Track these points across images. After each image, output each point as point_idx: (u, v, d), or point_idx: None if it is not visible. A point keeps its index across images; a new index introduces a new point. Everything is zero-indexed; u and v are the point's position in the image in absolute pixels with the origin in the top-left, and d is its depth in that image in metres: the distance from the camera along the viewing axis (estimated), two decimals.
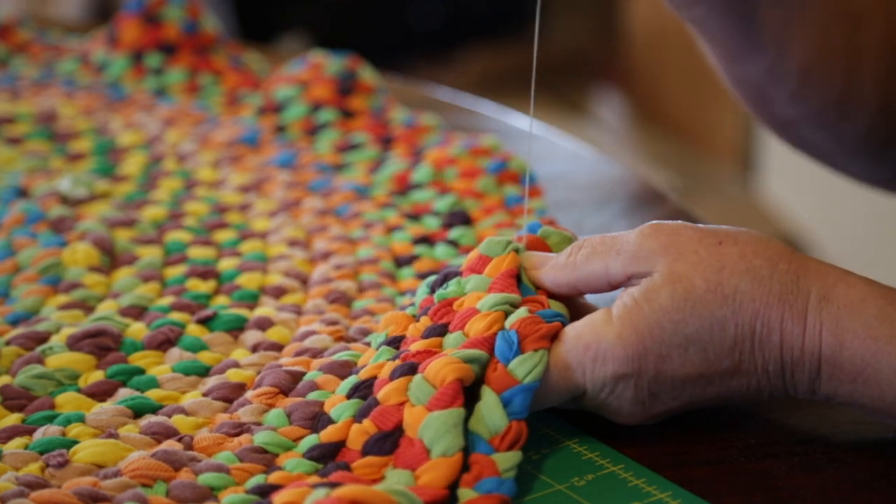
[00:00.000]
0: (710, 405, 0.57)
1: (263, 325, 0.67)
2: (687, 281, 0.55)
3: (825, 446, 0.57)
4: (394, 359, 0.57)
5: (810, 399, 0.56)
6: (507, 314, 0.58)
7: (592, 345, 0.55)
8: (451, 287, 0.61)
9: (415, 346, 0.57)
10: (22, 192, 0.87)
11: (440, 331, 0.58)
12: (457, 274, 0.62)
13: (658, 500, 0.53)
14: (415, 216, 0.82)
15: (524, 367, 0.55)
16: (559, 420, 0.58)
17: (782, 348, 0.54)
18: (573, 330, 0.56)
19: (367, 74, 1.01)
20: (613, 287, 0.58)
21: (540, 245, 0.63)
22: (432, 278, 0.63)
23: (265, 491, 0.51)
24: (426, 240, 0.79)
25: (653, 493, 0.53)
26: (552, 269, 0.59)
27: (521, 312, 0.57)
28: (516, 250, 0.61)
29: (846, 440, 0.57)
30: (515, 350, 0.55)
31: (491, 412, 0.53)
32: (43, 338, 0.65)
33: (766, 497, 0.54)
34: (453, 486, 0.51)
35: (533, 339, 0.56)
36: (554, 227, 0.64)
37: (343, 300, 0.70)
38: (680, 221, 0.57)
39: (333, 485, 0.50)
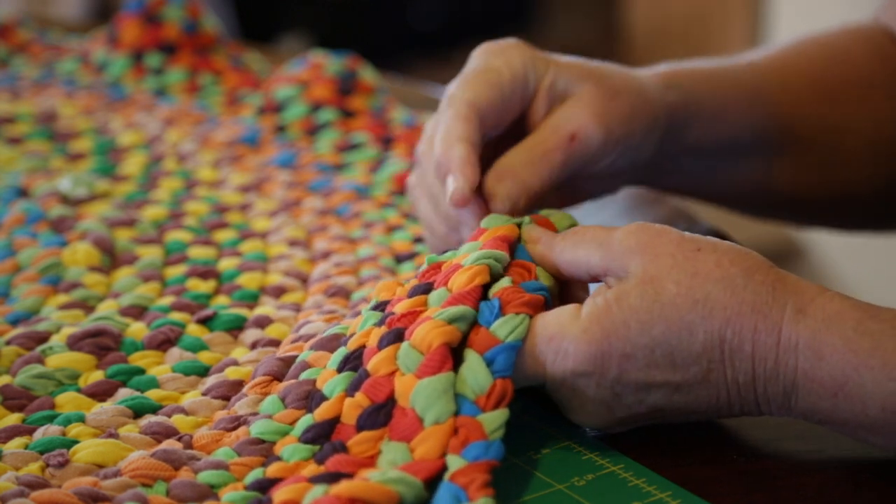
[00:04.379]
0: (680, 421, 0.57)
1: (263, 323, 0.67)
2: (658, 283, 0.54)
3: (825, 446, 0.57)
4: (379, 323, 0.57)
5: (785, 416, 0.55)
6: (491, 269, 0.57)
7: (556, 337, 0.55)
8: (447, 255, 0.61)
9: (399, 307, 0.57)
10: (22, 192, 0.87)
11: (425, 289, 0.58)
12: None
13: (658, 500, 0.53)
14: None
15: (506, 328, 0.55)
16: (559, 420, 0.58)
17: (754, 359, 0.54)
18: (541, 320, 0.56)
19: (367, 74, 1.01)
20: (592, 277, 0.58)
21: (545, 224, 0.63)
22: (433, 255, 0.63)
23: (264, 486, 0.52)
24: None
25: (653, 493, 0.53)
26: (544, 246, 0.60)
27: (505, 282, 0.57)
28: (519, 224, 0.61)
29: (846, 440, 0.57)
30: (497, 313, 0.55)
31: (475, 372, 0.53)
32: (43, 337, 0.65)
33: (766, 497, 0.53)
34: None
35: (515, 304, 0.56)
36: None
37: (342, 293, 0.70)
38: (667, 226, 0.57)
39: (331, 476, 0.50)
